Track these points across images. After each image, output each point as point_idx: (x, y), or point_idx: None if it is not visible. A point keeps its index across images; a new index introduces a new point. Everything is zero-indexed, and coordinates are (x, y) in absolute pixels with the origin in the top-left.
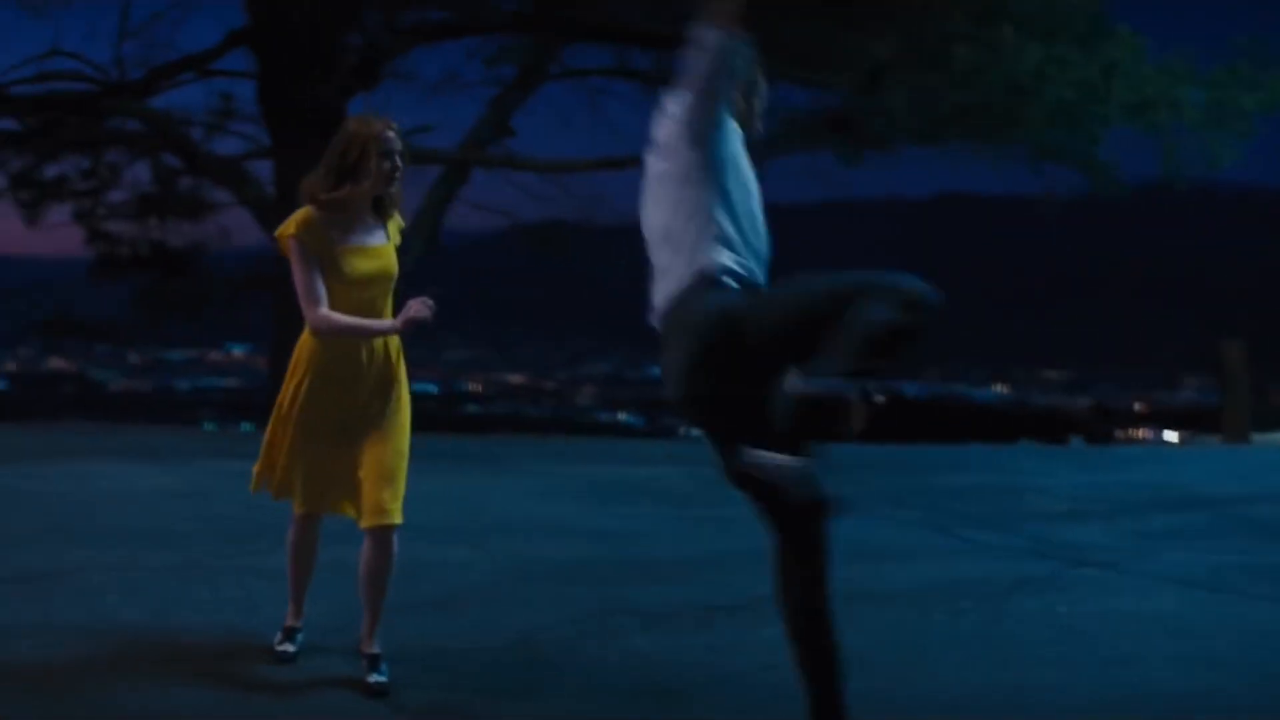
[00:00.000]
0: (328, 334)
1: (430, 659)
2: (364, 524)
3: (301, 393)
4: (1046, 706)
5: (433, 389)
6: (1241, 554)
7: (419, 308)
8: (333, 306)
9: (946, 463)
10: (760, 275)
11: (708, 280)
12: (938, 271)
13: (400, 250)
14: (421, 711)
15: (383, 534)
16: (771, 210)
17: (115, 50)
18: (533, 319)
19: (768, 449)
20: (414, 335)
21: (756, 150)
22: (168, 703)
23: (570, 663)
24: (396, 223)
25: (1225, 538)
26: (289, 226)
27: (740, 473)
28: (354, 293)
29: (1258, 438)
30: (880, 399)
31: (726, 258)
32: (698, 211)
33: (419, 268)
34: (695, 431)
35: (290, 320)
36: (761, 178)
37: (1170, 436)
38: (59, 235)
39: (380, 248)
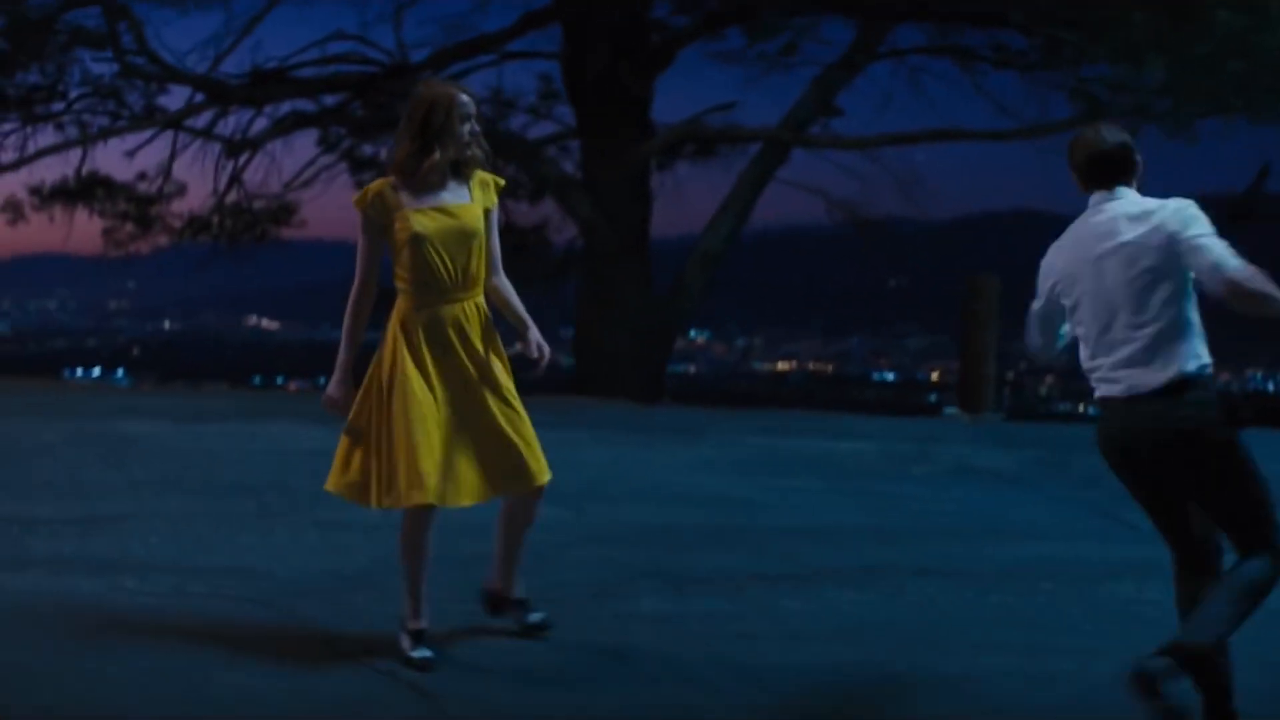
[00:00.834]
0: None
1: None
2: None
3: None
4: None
5: (889, 377)
6: None
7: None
8: (412, 268)
9: None
10: None
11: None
12: None
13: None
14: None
15: (535, 494)
16: None
17: (396, 32)
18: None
19: None
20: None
21: None
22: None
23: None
24: (483, 181)
25: None
26: (361, 197)
27: None
28: (430, 250)
29: None
30: None
31: None
32: None
33: (728, 246)
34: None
35: (596, 302)
36: None
37: None
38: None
39: (459, 206)
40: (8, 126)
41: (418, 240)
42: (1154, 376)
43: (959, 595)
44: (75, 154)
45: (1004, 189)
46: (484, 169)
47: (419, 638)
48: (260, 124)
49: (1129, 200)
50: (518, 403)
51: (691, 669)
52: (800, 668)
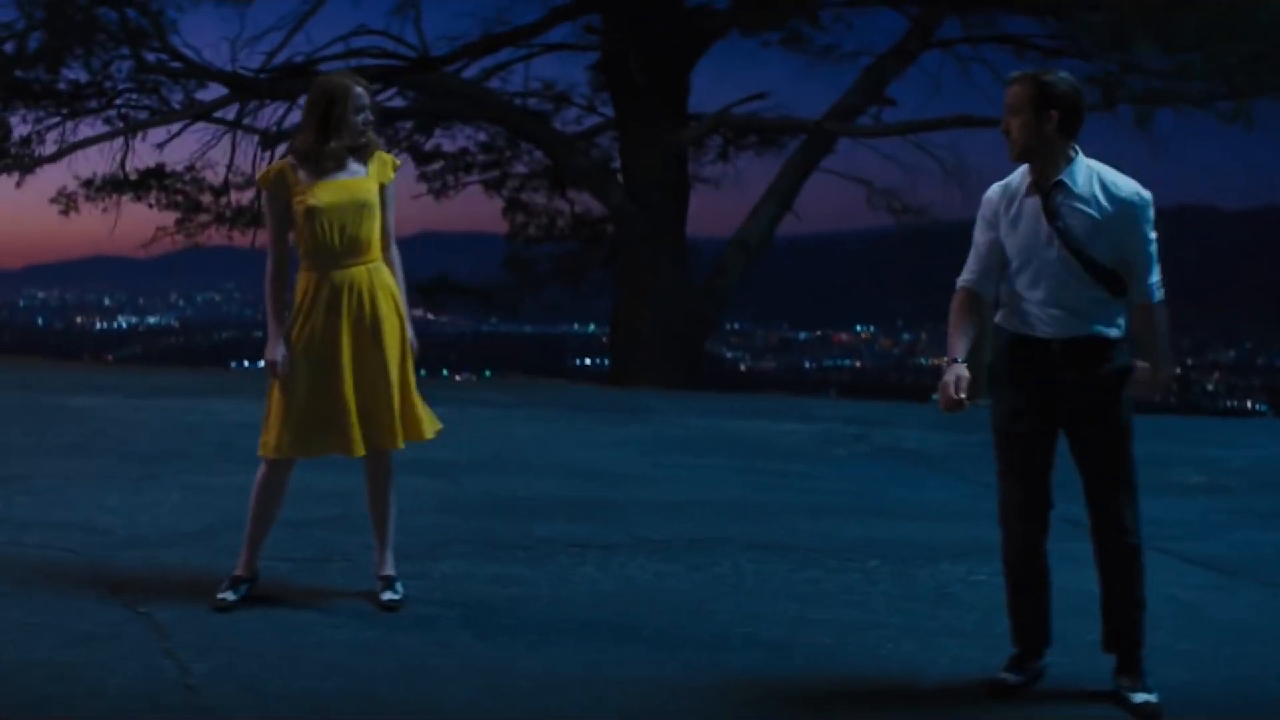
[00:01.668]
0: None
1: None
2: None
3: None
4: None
5: None
6: None
7: None
8: (308, 238)
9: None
10: None
11: None
12: None
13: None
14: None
15: (384, 455)
16: None
17: (417, 27)
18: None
19: None
20: None
21: None
22: None
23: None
24: (381, 160)
25: None
26: (264, 175)
27: None
28: (323, 220)
29: None
30: None
31: None
32: None
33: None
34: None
35: (630, 289)
36: None
37: None
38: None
39: (352, 180)
40: (50, 120)
41: (312, 212)
42: None
43: (772, 569)
44: (113, 146)
45: None
46: (379, 150)
47: (235, 583)
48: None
49: None
50: (399, 368)
51: (437, 621)
52: (543, 627)
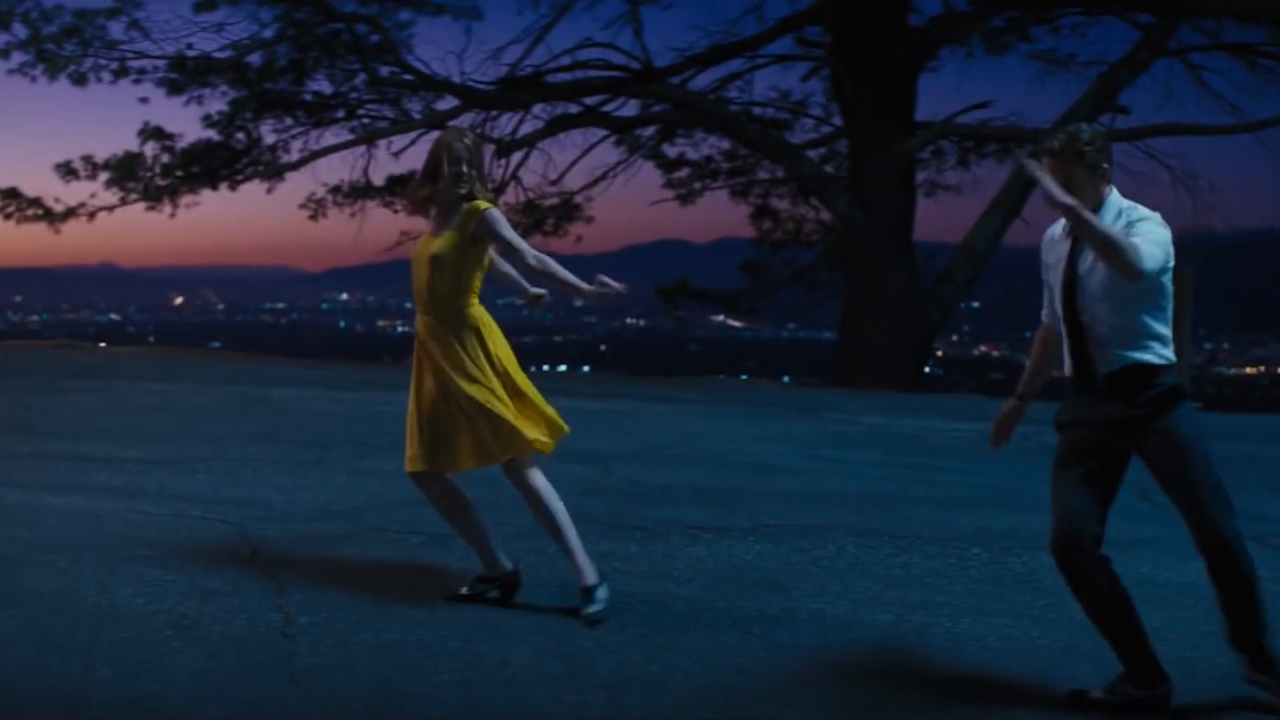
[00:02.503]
0: None
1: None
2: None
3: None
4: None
5: None
6: None
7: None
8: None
9: None
10: None
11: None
12: None
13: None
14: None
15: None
16: None
17: (638, 39)
18: None
19: None
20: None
21: None
22: None
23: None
24: (464, 213)
25: None
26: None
27: None
28: (413, 271)
29: None
30: None
31: None
32: None
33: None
34: None
35: (856, 293)
36: None
37: None
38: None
39: (433, 236)
40: (296, 129)
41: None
42: None
43: (872, 553)
44: (354, 154)
45: None
46: (471, 203)
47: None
48: (526, 126)
49: None
50: (481, 395)
51: (528, 588)
52: (622, 597)
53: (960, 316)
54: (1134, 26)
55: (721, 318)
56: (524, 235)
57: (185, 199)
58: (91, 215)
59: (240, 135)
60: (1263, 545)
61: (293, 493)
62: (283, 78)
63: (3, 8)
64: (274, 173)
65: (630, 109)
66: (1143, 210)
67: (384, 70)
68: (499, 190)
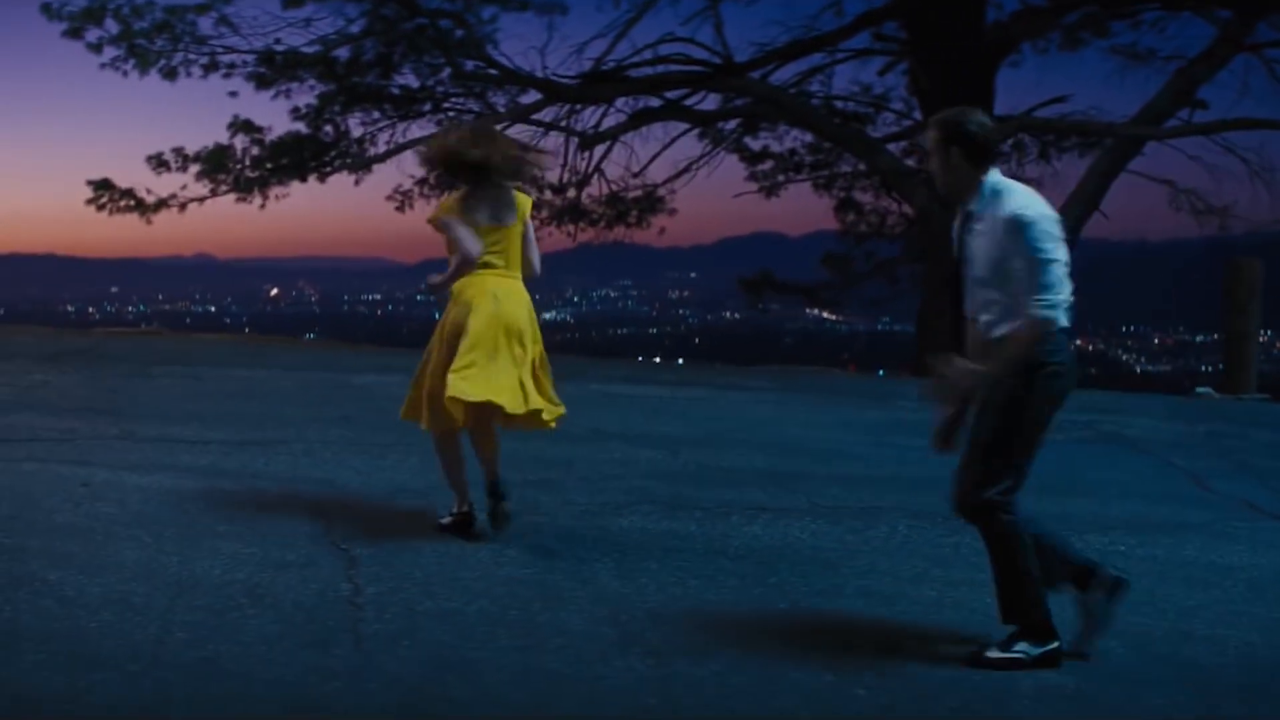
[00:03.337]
0: None
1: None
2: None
3: None
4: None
5: None
6: None
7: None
8: None
9: None
10: None
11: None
12: None
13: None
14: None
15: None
16: None
17: (719, 34)
18: None
19: None
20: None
21: None
22: None
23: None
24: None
25: None
26: None
27: None
28: None
29: None
30: None
31: None
32: None
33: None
34: None
35: (934, 285)
36: None
37: None
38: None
39: None
40: (383, 122)
41: None
42: None
43: (924, 534)
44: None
45: None
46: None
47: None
48: (609, 120)
49: None
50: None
51: (586, 562)
52: (678, 569)
53: None
54: (1212, 22)
55: (816, 310)
56: (607, 227)
57: (275, 190)
58: (183, 206)
59: (328, 128)
60: None
61: (369, 473)
62: (369, 72)
63: (95, 4)
64: (361, 165)
65: (711, 103)
66: (1014, 191)
67: (469, 65)
68: (583, 183)
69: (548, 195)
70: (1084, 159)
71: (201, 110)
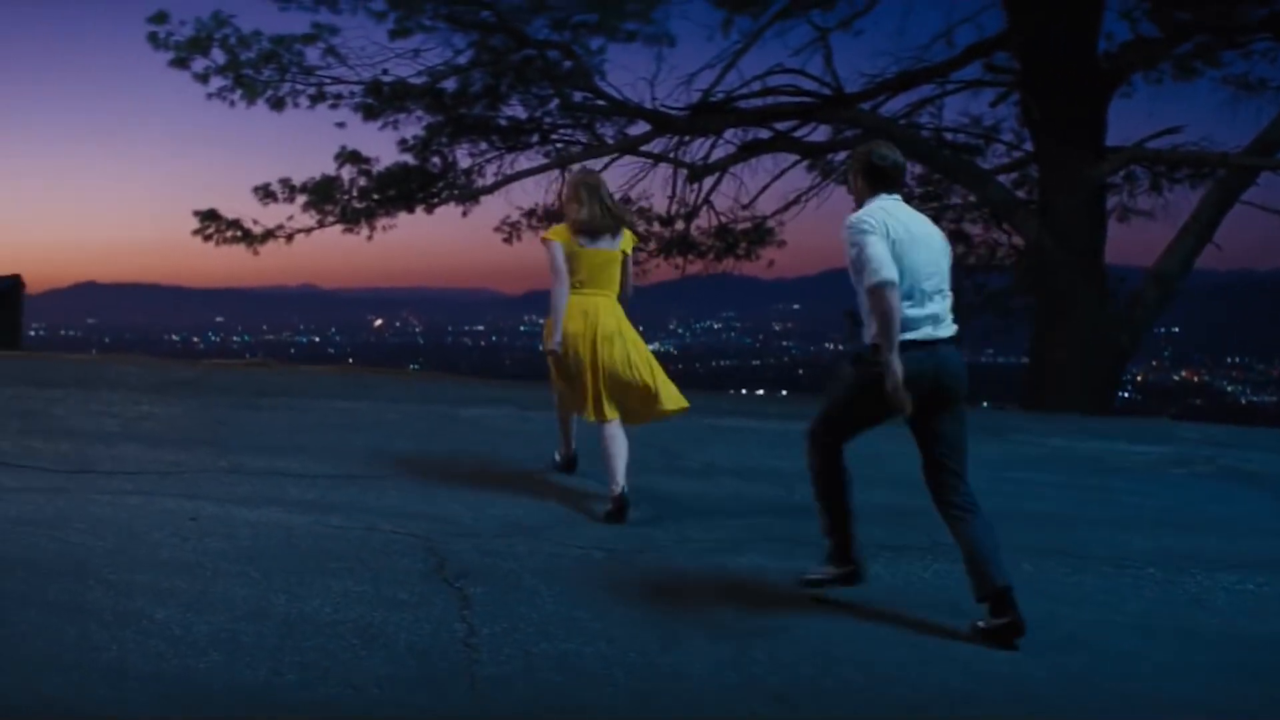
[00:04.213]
0: None
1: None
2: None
3: None
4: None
5: None
6: None
7: None
8: None
9: None
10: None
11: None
12: None
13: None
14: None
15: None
16: None
17: (828, 65)
18: None
19: None
20: None
21: None
22: None
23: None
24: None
25: None
26: None
27: None
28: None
29: None
30: None
31: None
32: None
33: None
34: None
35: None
36: None
37: None
38: None
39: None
40: (490, 153)
41: None
42: (949, 329)
43: (1047, 572)
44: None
45: None
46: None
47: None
48: (718, 151)
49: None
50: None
51: (693, 597)
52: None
53: (1160, 342)
54: None
55: None
56: (715, 259)
57: (382, 221)
58: (289, 237)
59: (435, 159)
60: None
61: (480, 509)
62: (477, 103)
63: (201, 34)
64: (469, 196)
65: (820, 134)
66: (850, 219)
67: (577, 96)
68: (692, 214)
69: (656, 227)
70: (1196, 190)
71: (308, 141)
